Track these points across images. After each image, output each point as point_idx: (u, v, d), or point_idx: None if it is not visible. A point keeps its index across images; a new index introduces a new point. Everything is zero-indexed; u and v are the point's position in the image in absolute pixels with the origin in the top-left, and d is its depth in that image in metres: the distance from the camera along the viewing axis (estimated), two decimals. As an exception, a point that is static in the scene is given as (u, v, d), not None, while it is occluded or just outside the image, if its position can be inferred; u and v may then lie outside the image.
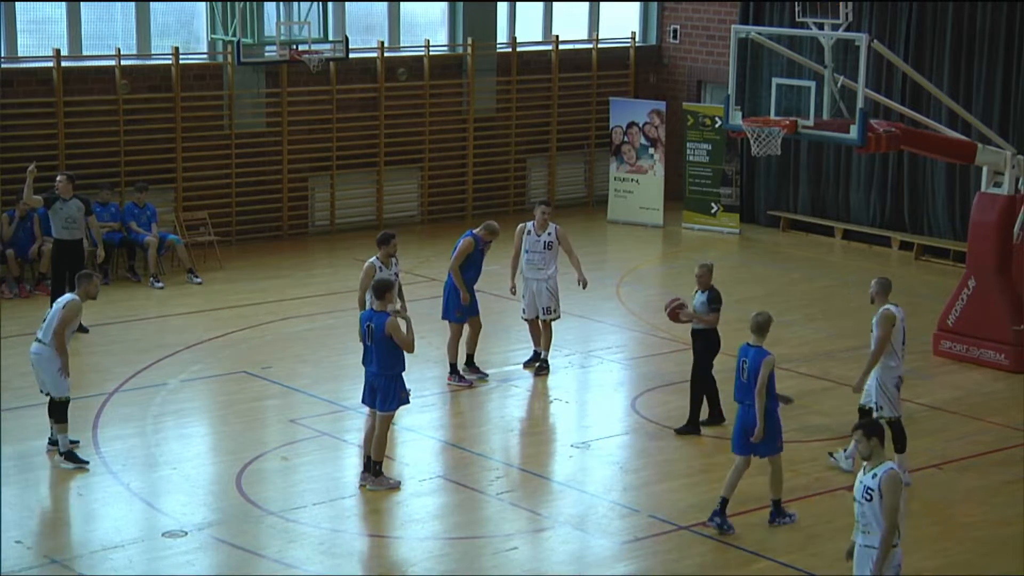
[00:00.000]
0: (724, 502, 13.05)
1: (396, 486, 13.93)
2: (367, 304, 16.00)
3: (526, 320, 17.61)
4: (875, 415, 13.84)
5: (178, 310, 19.98)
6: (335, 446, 15.11)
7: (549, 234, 17.37)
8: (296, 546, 12.58)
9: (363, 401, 14.09)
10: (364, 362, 13.96)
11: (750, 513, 13.39)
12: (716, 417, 15.63)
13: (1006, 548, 12.92)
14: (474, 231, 16.91)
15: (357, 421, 15.81)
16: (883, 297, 14.21)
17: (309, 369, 17.56)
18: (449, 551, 12.67)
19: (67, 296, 14.49)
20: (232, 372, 17.41)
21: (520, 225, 17.62)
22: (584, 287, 17.62)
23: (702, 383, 15.59)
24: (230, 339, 18.71)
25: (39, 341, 14.29)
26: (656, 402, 16.64)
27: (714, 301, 15.50)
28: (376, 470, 13.88)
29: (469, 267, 16.90)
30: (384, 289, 13.73)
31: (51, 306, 18.08)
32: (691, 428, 15.51)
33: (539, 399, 17.05)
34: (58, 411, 14.23)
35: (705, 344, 15.59)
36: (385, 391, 13.73)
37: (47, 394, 14.33)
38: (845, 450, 14.42)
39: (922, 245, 24.02)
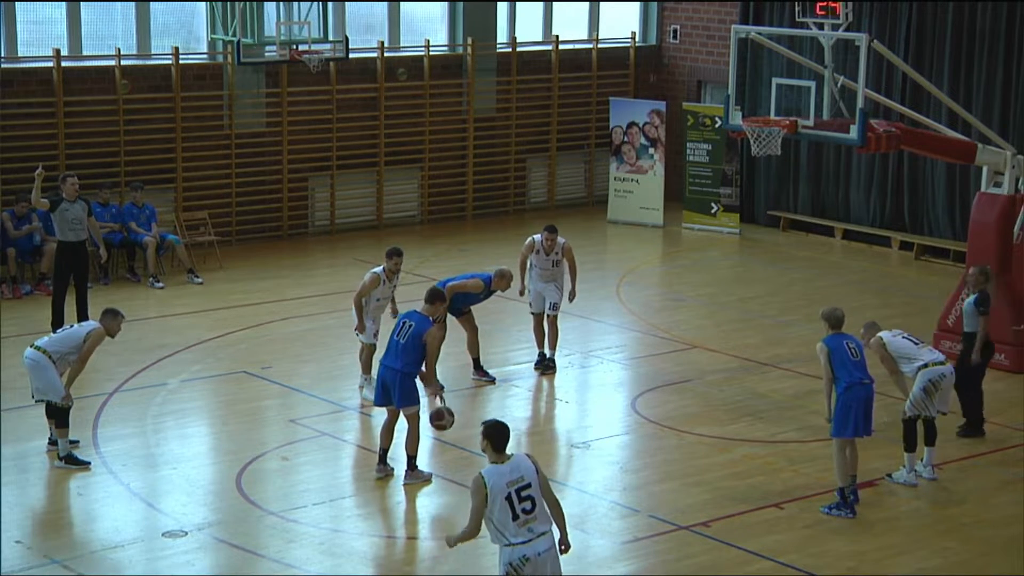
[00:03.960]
0: (842, 491, 13.42)
1: (428, 478, 14.05)
2: (364, 308, 16.13)
3: (532, 313, 17.63)
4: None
5: (178, 310, 19.98)
6: (335, 446, 15.12)
7: (556, 253, 17.48)
8: (296, 546, 12.58)
9: (377, 403, 14.14)
10: (381, 356, 14.04)
11: (750, 513, 13.40)
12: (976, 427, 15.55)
13: (1006, 548, 12.92)
14: (491, 276, 16.91)
15: (357, 421, 15.84)
16: (870, 335, 14.36)
17: (309, 369, 17.56)
18: (449, 551, 12.65)
19: (91, 325, 14.42)
20: (232, 372, 17.41)
21: (530, 239, 17.62)
22: (571, 300, 17.75)
23: (975, 385, 15.54)
24: (230, 339, 18.71)
25: (37, 348, 14.21)
26: (656, 402, 16.64)
27: (981, 303, 15.34)
28: (411, 464, 14.01)
29: (467, 298, 16.96)
30: (435, 297, 14.18)
31: (53, 308, 18.29)
32: (973, 430, 15.49)
33: (539, 399, 17.06)
34: (59, 415, 14.20)
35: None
36: (403, 387, 13.80)
37: (39, 401, 14.29)
38: (907, 466, 14.35)
39: (922, 245, 24.02)
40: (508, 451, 9.84)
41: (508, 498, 9.62)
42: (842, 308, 13.92)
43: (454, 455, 14.87)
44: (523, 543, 9.67)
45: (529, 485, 9.68)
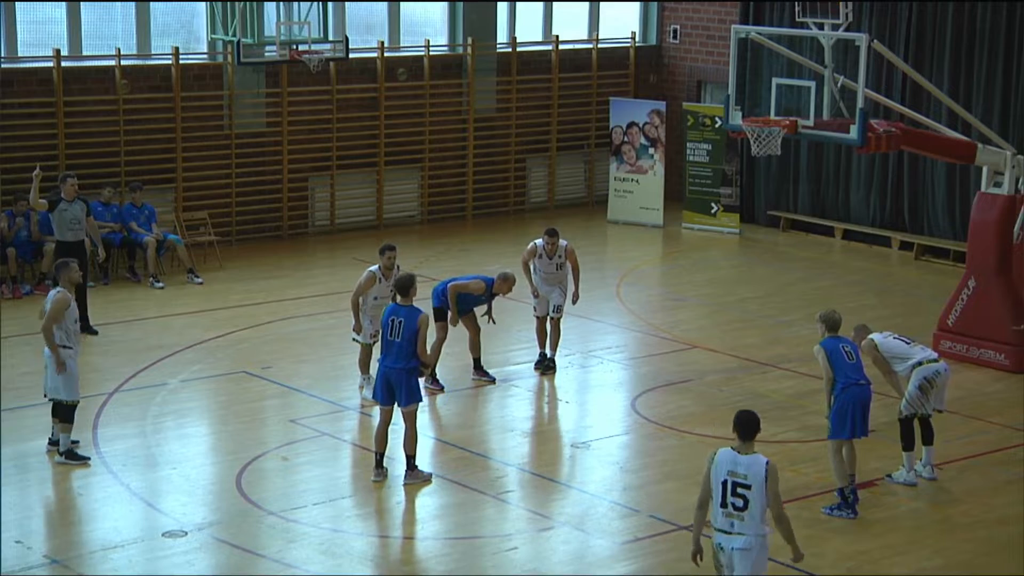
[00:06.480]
0: (842, 492, 13.44)
1: (428, 478, 14.04)
2: (362, 308, 16.14)
3: (536, 316, 17.62)
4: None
5: (178, 310, 19.97)
6: (335, 446, 15.12)
7: (559, 256, 17.46)
8: (296, 546, 12.58)
9: (378, 400, 14.12)
10: (380, 357, 14.04)
11: (750, 513, 13.40)
12: None
13: (1006, 548, 12.92)
14: (494, 278, 16.88)
15: (357, 421, 15.83)
16: (861, 338, 14.37)
17: (309, 369, 17.55)
18: (449, 551, 12.68)
19: (53, 291, 14.37)
20: (232, 372, 17.40)
21: (532, 244, 17.61)
22: (574, 303, 17.75)
23: None
24: (230, 339, 18.71)
25: None
26: (656, 402, 16.64)
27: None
28: (411, 464, 14.00)
29: (470, 300, 16.94)
30: (408, 285, 14.05)
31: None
32: None
33: (539, 399, 17.06)
34: (64, 412, 14.22)
35: None
36: (407, 385, 13.81)
37: (51, 399, 14.28)
38: (906, 465, 14.34)
39: (922, 245, 24.02)
40: (751, 450, 10.23)
41: (724, 483, 10.17)
42: (840, 311, 13.93)
43: (454, 455, 14.87)
44: (722, 532, 10.23)
45: (749, 486, 10.11)
